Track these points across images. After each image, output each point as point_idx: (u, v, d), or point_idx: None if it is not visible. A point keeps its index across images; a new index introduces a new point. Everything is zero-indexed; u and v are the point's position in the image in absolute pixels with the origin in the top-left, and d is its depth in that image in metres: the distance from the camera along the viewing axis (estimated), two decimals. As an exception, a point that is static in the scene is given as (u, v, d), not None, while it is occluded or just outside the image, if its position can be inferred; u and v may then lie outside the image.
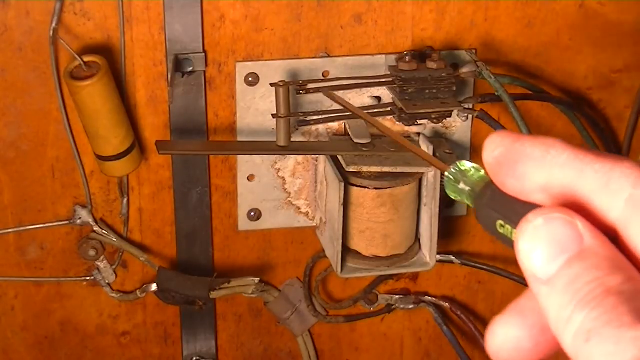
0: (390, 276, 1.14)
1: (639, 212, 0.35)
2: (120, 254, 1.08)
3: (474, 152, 1.10)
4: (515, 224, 0.38)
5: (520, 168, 0.38)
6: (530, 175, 0.38)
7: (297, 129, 1.04)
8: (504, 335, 0.39)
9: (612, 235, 0.36)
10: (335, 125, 1.06)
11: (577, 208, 0.37)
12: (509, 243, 0.39)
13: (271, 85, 0.98)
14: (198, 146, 1.04)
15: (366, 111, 1.03)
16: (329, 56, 1.03)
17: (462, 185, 0.42)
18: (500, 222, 0.39)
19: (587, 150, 0.37)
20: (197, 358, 1.15)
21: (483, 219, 0.41)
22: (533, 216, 0.37)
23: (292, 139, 1.00)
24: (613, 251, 0.36)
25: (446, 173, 0.43)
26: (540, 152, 0.38)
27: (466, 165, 0.43)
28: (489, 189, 0.40)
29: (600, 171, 0.36)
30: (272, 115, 0.99)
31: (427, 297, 1.17)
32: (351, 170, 1.00)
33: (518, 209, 0.39)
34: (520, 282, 1.09)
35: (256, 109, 1.04)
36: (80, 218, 1.06)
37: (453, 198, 0.43)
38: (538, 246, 0.36)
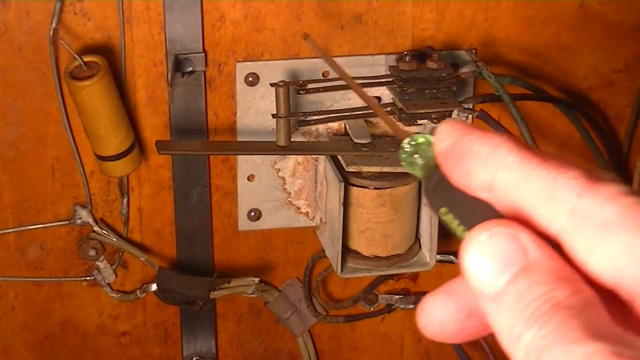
0: (390, 276, 1.14)
1: (584, 224, 0.34)
2: (120, 254, 1.08)
3: (474, 152, 1.10)
4: (457, 214, 0.38)
5: (466, 164, 0.37)
6: (475, 173, 0.37)
7: (297, 129, 1.04)
8: (430, 312, 0.39)
9: (555, 244, 0.35)
10: (335, 125, 1.06)
11: (521, 214, 0.36)
12: (451, 230, 0.39)
13: (271, 85, 0.98)
14: (198, 146, 1.04)
15: (366, 111, 1.03)
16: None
17: (417, 158, 0.41)
18: (443, 208, 0.39)
19: (535, 153, 0.36)
20: (197, 358, 1.15)
21: (429, 200, 0.40)
22: (476, 232, 0.36)
23: (292, 139, 1.00)
24: (558, 263, 0.35)
25: (403, 143, 0.42)
26: (487, 151, 0.37)
27: (421, 139, 0.42)
28: (437, 172, 0.39)
29: (545, 178, 0.35)
30: (272, 115, 0.99)
31: (427, 297, 1.16)
32: (351, 170, 1.00)
33: (462, 201, 0.38)
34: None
35: (256, 109, 1.04)
36: (80, 218, 1.06)
37: (405, 169, 0.42)
38: (483, 262, 0.36)
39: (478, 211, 0.38)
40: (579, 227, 0.35)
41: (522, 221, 0.36)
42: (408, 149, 0.42)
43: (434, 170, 0.40)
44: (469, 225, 0.38)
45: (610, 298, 0.34)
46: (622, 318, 0.34)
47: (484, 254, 0.36)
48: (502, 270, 0.35)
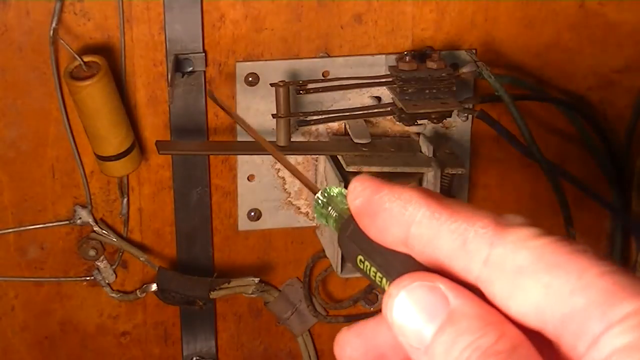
0: (390, 276, 1.14)
1: (499, 272, 0.35)
2: (120, 254, 1.08)
3: (474, 152, 1.10)
4: (375, 262, 0.38)
5: (380, 222, 0.38)
6: (389, 230, 0.38)
7: (297, 129, 1.04)
8: (341, 348, 0.40)
9: (477, 291, 0.36)
10: (335, 125, 1.06)
11: (440, 265, 0.36)
12: (369, 278, 0.39)
13: (271, 85, 0.98)
14: (198, 146, 1.04)
15: (366, 111, 1.03)
16: (329, 56, 1.03)
17: (330, 210, 0.42)
18: (360, 257, 0.39)
19: (445, 205, 0.37)
20: (197, 358, 1.15)
21: (344, 250, 0.40)
22: (395, 287, 0.36)
23: (292, 139, 1.00)
24: (481, 307, 0.35)
25: (315, 196, 0.42)
26: (398, 208, 0.37)
27: (335, 190, 0.42)
28: (353, 221, 0.40)
29: (456, 231, 0.36)
30: (272, 115, 0.99)
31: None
32: (351, 170, 1.00)
33: (379, 250, 0.38)
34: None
35: (256, 109, 1.04)
36: (80, 218, 1.06)
37: (319, 222, 0.43)
38: (407, 318, 0.36)
39: (396, 260, 0.38)
40: (495, 275, 0.35)
41: (441, 271, 0.36)
42: (322, 201, 0.42)
43: (349, 219, 0.40)
44: (388, 274, 0.38)
45: (537, 338, 0.34)
46: (551, 357, 0.34)
47: (407, 309, 0.36)
48: (427, 323, 0.35)
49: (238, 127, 1.04)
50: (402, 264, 0.38)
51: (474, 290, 0.36)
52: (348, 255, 0.40)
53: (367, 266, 0.39)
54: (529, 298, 0.34)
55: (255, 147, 1.02)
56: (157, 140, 1.01)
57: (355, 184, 0.39)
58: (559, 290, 0.33)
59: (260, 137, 0.49)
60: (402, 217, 0.37)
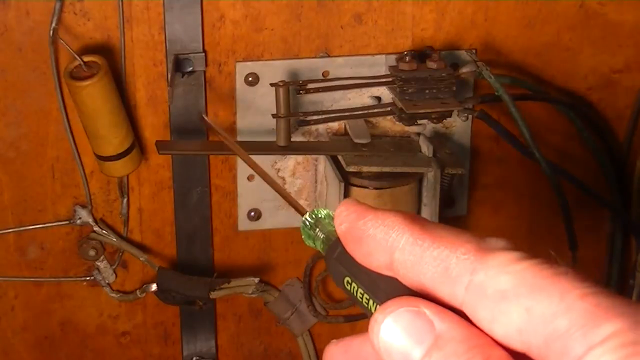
0: (390, 276, 1.14)
1: (482, 297, 0.35)
2: (120, 254, 1.08)
3: (474, 152, 1.10)
4: (362, 284, 0.39)
5: (365, 247, 0.39)
6: (374, 255, 0.38)
7: (297, 129, 1.04)
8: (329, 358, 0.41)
9: (463, 315, 0.36)
10: (335, 125, 1.06)
11: (424, 289, 0.37)
12: (355, 300, 0.40)
13: (271, 85, 0.98)
14: (198, 146, 1.04)
15: (366, 111, 1.03)
16: (329, 56, 1.03)
17: (318, 232, 0.42)
18: (347, 278, 0.40)
19: (428, 230, 0.37)
20: (197, 358, 1.15)
21: (332, 272, 0.41)
22: (380, 315, 0.37)
23: (292, 139, 1.00)
24: (467, 331, 0.36)
25: (302, 218, 0.43)
26: (382, 233, 0.38)
27: (322, 213, 0.43)
28: (339, 244, 0.40)
29: (438, 258, 0.36)
30: (272, 115, 0.99)
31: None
32: (351, 170, 1.00)
33: (366, 271, 0.39)
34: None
35: (256, 108, 1.04)
36: (80, 218, 1.06)
37: (307, 244, 0.43)
38: (393, 343, 0.36)
39: (382, 282, 0.38)
40: (478, 300, 0.35)
41: (426, 295, 0.37)
42: (309, 223, 0.43)
43: (336, 241, 0.41)
44: (375, 296, 0.39)
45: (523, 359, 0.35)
46: None
47: (394, 335, 0.36)
48: (414, 348, 0.36)
49: (238, 127, 1.04)
50: (388, 287, 0.38)
51: (460, 314, 0.36)
52: (335, 276, 0.41)
53: (354, 288, 0.40)
54: (512, 322, 0.34)
55: (255, 147, 1.02)
56: (157, 141, 1.01)
57: (341, 208, 0.40)
58: (541, 313, 0.34)
59: (252, 160, 0.50)
60: (385, 243, 0.38)
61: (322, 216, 0.43)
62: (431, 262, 0.36)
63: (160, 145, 1.00)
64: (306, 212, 0.43)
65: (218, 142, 1.05)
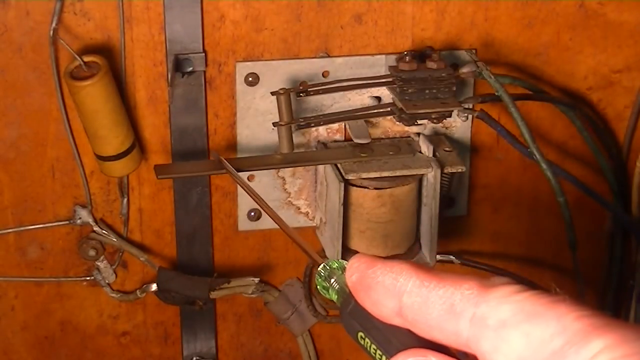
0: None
1: (484, 328, 0.37)
2: (120, 254, 1.08)
3: (474, 152, 1.10)
4: (374, 339, 0.41)
5: (374, 295, 0.40)
6: (383, 302, 0.40)
7: (297, 129, 1.04)
8: None
9: (473, 357, 0.38)
10: (335, 125, 1.06)
11: (432, 333, 0.39)
12: (370, 355, 0.41)
13: (272, 94, 0.98)
14: (196, 167, 1.03)
15: (366, 112, 1.03)
16: (329, 56, 1.03)
17: (333, 283, 0.44)
18: (360, 333, 0.41)
19: (433, 274, 0.39)
20: (197, 358, 1.15)
21: (346, 327, 0.43)
22: None
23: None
24: None
25: (318, 269, 0.44)
26: (390, 279, 0.40)
27: (335, 264, 0.44)
28: (352, 299, 0.42)
29: (444, 296, 0.38)
30: (273, 123, 0.98)
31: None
32: (350, 177, 1.00)
33: (378, 326, 0.41)
34: (519, 282, 1.09)
35: (256, 109, 1.04)
36: (80, 218, 1.06)
37: (322, 294, 0.44)
38: None
39: (393, 337, 0.40)
40: (481, 331, 0.37)
41: (435, 342, 0.39)
42: (324, 274, 0.44)
43: (349, 295, 0.42)
44: (386, 351, 0.40)
45: None
46: None
47: None
48: None
49: (238, 127, 1.04)
50: (398, 340, 0.40)
51: (470, 356, 0.38)
52: (350, 331, 0.42)
53: (367, 343, 0.41)
54: (512, 349, 0.36)
55: (254, 163, 1.01)
56: (155, 165, 1.00)
57: (352, 261, 0.42)
58: (539, 336, 0.35)
59: (262, 199, 0.52)
60: (394, 288, 0.40)
61: (336, 267, 0.44)
62: (437, 301, 0.38)
63: (159, 170, 0.99)
64: (321, 263, 0.45)
65: (215, 162, 1.04)
